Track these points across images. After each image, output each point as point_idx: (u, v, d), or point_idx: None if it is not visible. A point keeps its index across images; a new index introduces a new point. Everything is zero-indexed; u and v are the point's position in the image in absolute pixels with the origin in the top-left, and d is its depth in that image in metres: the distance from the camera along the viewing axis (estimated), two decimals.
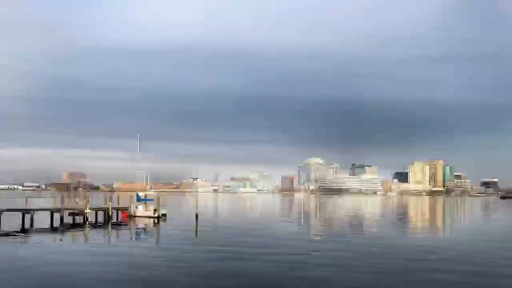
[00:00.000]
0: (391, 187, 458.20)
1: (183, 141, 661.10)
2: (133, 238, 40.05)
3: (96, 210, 52.97)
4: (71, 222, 48.37)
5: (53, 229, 43.36)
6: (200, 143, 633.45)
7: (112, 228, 46.32)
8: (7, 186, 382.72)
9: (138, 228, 47.27)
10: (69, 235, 39.54)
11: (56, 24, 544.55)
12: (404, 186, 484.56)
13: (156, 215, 55.37)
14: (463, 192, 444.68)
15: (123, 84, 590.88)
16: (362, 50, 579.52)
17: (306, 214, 79.72)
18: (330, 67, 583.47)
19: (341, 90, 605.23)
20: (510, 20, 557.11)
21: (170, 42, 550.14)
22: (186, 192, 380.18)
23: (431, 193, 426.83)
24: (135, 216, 56.33)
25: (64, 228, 44.27)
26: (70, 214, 49.71)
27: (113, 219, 52.71)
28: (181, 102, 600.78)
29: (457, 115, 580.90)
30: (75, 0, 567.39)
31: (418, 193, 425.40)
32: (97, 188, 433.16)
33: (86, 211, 49.70)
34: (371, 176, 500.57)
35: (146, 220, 54.19)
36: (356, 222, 60.29)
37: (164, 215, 57.16)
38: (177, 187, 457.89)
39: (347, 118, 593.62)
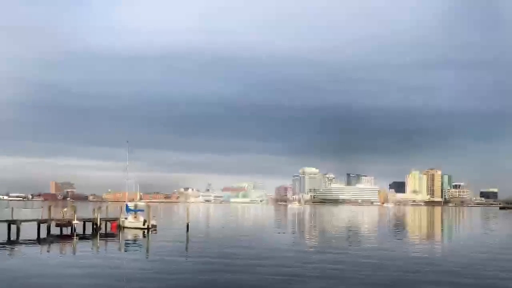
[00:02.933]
0: (388, 197, 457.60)
1: (174, 150, 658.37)
2: (122, 250, 39.05)
3: (84, 221, 51.82)
4: (59, 233, 47.21)
5: (40, 241, 42.22)
6: (192, 151, 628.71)
7: (101, 239, 45.25)
8: None
9: (127, 240, 46.25)
10: (56, 247, 38.45)
11: (46, 30, 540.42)
12: (401, 196, 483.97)
13: (146, 226, 54.31)
14: (462, 203, 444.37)
15: (114, 91, 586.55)
16: (359, 56, 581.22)
17: (300, 225, 78.94)
18: (326, 73, 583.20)
19: (337, 96, 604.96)
20: (510, 25, 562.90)
21: (162, 47, 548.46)
22: (177, 202, 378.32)
23: (428, 204, 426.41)
24: (125, 227, 55.22)
25: (51, 239, 43.13)
26: (57, 225, 48.54)
27: (101, 230, 51.58)
28: (173, 109, 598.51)
29: (457, 122, 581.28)
30: (66, 5, 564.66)
31: (415, 204, 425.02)
32: (85, 198, 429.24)
33: (74, 222, 48.57)
34: (367, 186, 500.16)
35: (136, 231, 53.12)
36: (352, 233, 59.59)
37: (154, 226, 56.07)
38: (168, 197, 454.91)
39: (343, 125, 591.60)
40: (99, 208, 55.26)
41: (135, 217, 56.90)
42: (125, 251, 38.39)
